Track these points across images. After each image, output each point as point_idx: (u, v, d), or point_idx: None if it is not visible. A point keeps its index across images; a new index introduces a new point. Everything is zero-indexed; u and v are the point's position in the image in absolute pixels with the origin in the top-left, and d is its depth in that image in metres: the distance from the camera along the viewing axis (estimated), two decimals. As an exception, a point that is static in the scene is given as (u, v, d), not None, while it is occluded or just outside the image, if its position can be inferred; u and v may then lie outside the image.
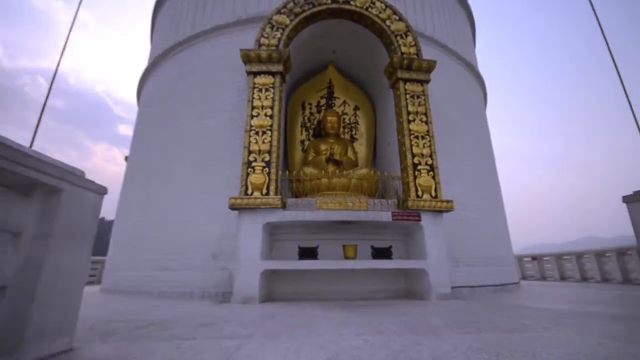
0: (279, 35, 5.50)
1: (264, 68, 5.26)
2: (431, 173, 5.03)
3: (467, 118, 7.48)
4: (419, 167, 5.02)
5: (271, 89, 5.20)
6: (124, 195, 7.28)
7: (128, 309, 3.86)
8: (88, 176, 2.00)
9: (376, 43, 6.11)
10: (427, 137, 5.23)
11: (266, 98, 5.14)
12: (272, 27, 5.56)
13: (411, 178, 4.93)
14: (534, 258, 12.15)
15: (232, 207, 4.48)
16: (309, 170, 5.60)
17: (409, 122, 5.27)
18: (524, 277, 12.03)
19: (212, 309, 3.59)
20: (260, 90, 5.18)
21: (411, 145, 5.12)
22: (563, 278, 10.73)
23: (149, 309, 3.74)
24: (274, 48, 5.35)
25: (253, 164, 4.75)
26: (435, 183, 4.97)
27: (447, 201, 4.82)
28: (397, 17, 5.88)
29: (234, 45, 6.15)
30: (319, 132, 7.07)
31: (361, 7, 5.86)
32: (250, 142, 4.87)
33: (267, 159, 4.79)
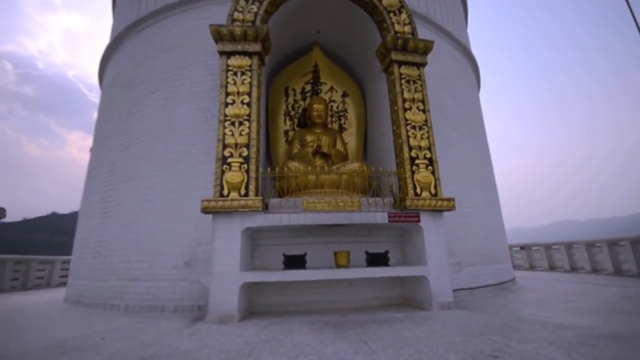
0: (255, 9, 4.75)
1: (238, 47, 4.53)
2: (430, 168, 4.51)
3: (462, 106, 7.00)
4: (417, 161, 4.49)
5: (248, 72, 4.49)
6: (86, 194, 6.47)
7: (79, 334, 3.22)
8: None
9: (366, 21, 5.45)
10: (424, 127, 4.69)
11: (242, 83, 4.44)
12: (247, 0, 4.79)
13: (408, 174, 4.40)
14: (522, 248, 12.11)
15: (205, 211, 3.84)
16: (294, 165, 4.98)
17: (405, 110, 4.70)
18: (512, 267, 12.00)
19: (179, 338, 2.99)
20: (235, 74, 4.46)
21: (408, 137, 4.57)
22: (552, 268, 10.71)
23: (104, 335, 3.12)
24: (249, 24, 4.61)
25: (229, 160, 4.09)
26: (435, 179, 4.47)
27: (449, 199, 4.34)
28: (390, -9, 5.21)
29: (206, 21, 5.32)
30: (305, 122, 6.42)
31: (350, -21, 5.16)
32: (225, 134, 4.19)
33: (245, 153, 4.14)
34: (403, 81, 4.84)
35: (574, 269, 10.00)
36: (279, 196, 4.74)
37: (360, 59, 6.18)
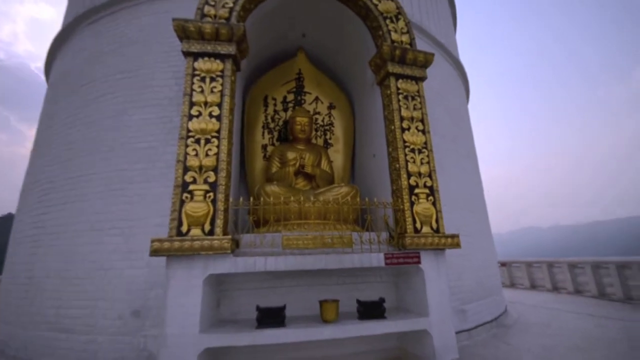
0: (230, 4, 3.98)
1: (208, 48, 3.74)
2: (431, 198, 3.92)
3: (456, 124, 6.55)
4: (417, 190, 3.88)
5: (219, 79, 3.70)
6: (18, 215, 5.34)
7: None
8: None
9: (359, 27, 4.84)
10: (424, 150, 4.11)
11: (212, 91, 3.64)
12: (222, -7, 4.03)
13: (407, 205, 3.78)
14: (503, 264, 11.95)
15: (157, 254, 2.99)
16: (272, 189, 4.22)
17: (403, 130, 4.10)
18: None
19: None
20: (202, 80, 3.67)
21: (406, 162, 3.96)
22: (533, 286, 10.56)
23: None
24: (223, 21, 3.84)
25: (191, 187, 3.27)
26: (437, 211, 3.88)
27: (452, 236, 3.76)
28: (386, -5, 4.64)
29: (172, 15, 4.50)
30: (286, 136, 5.69)
31: (342, -22, 4.53)
32: (187, 154, 3.37)
33: (211, 179, 3.34)
34: (401, 97, 4.25)
35: (555, 288, 9.88)
36: (255, 226, 3.98)
37: (351, 69, 5.56)
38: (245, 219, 4.01)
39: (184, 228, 3.14)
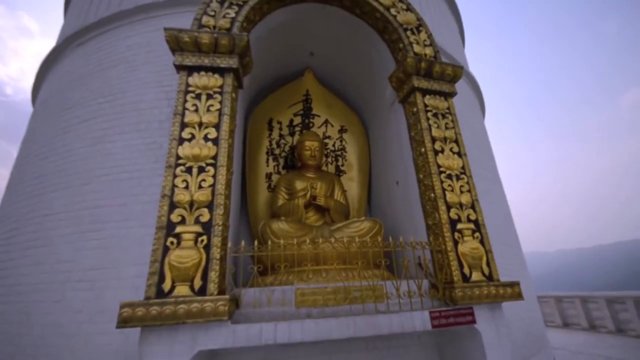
0: (232, 15, 3.48)
1: (206, 62, 3.17)
2: (477, 235, 3.17)
3: (477, 145, 5.94)
4: (459, 225, 3.14)
5: (217, 96, 3.09)
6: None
7: None
8: None
9: (373, 42, 4.35)
10: (463, 176, 3.42)
11: (208, 110, 3.02)
12: (221, 2, 3.54)
13: (450, 245, 3.02)
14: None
15: (125, 324, 2.17)
16: (280, 227, 3.48)
17: (436, 153, 3.43)
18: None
19: None
20: (197, 97, 3.05)
21: (444, 191, 3.26)
22: (566, 324, 9.42)
23: None
24: (224, 32, 3.30)
25: (178, 229, 2.52)
26: (486, 252, 3.12)
27: (511, 284, 2.96)
28: (404, 6, 4.19)
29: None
30: (293, 163, 5.04)
31: (356, -11, 4.10)
32: (175, 186, 2.67)
33: (205, 218, 2.60)
34: (430, 114, 3.64)
35: (592, 326, 8.78)
36: (260, 274, 3.16)
37: (364, 88, 5.02)
38: (248, 264, 3.21)
39: (167, 285, 2.35)
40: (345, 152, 5.32)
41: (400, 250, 3.07)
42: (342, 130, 5.40)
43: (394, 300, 2.81)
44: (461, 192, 3.32)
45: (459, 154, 3.53)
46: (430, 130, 3.54)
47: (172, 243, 2.48)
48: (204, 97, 3.06)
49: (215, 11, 3.47)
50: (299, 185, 4.43)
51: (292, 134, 5.21)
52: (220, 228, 2.59)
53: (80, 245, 3.37)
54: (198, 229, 2.55)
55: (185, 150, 2.81)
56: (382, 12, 4.07)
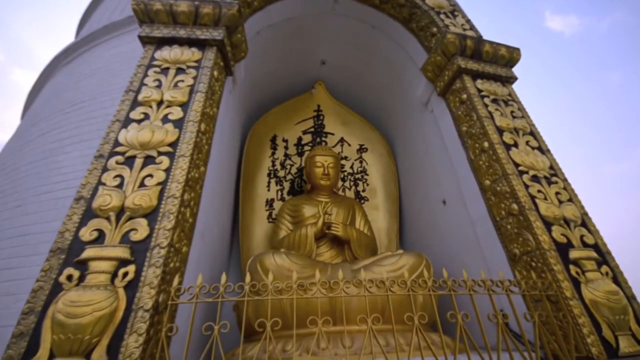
0: (223, -11, 2.80)
1: (181, 33, 2.38)
2: (605, 268, 1.88)
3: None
4: (574, 253, 1.87)
5: (192, 71, 2.22)
6: None
7: None
8: None
9: (395, 37, 3.60)
10: (556, 179, 2.25)
11: (175, 85, 2.12)
12: (212, -20, 2.90)
13: (567, 285, 1.72)
14: None
15: None
16: (278, 262, 2.28)
17: (508, 147, 2.33)
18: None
19: None
20: (163, 72, 2.19)
21: (533, 199, 2.06)
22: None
23: None
24: (207, 0, 2.57)
25: (87, 252, 1.42)
26: (628, 298, 1.79)
27: None
28: (432, -9, 3.49)
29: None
30: (301, 188, 3.99)
31: (373, -25, 3.47)
32: (100, 184, 1.64)
33: (139, 234, 1.50)
34: (487, 100, 2.62)
35: None
36: (246, 339, 1.88)
37: (386, 96, 4.16)
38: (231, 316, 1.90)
39: (36, 364, 1.17)
40: (367, 174, 4.25)
41: (468, 296, 1.76)
42: (361, 149, 4.41)
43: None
44: (560, 202, 2.11)
45: (540, 150, 2.41)
46: (492, 118, 2.48)
47: (69, 278, 1.35)
48: (171, 72, 2.20)
49: (202, -12, 2.81)
50: (308, 211, 3.30)
51: (300, 154, 4.25)
52: (163, 252, 1.46)
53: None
54: (122, 253, 1.43)
55: (129, 133, 1.84)
56: (406, -4, 3.36)
